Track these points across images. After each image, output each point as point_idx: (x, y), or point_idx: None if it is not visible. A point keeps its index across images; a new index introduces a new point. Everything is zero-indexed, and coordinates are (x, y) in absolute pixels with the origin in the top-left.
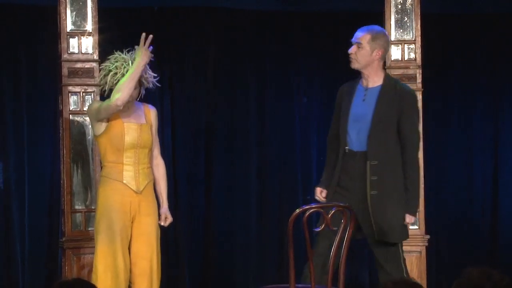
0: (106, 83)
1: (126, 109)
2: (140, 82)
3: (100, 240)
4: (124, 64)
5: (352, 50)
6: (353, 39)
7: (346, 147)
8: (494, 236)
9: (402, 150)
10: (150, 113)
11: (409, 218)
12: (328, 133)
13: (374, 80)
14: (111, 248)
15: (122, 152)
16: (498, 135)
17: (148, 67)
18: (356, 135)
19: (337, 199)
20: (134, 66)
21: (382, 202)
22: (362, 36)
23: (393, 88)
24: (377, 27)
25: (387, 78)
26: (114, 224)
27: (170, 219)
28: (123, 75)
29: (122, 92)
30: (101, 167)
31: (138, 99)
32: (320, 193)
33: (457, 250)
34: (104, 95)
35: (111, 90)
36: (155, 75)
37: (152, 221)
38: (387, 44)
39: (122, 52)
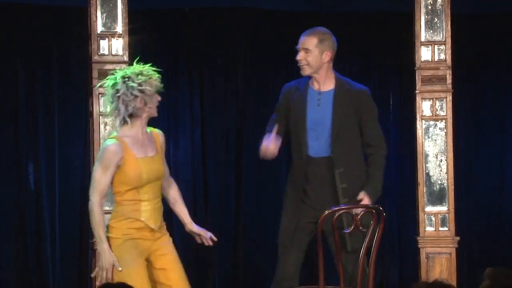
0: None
1: (136, 141)
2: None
3: (121, 273)
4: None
5: (300, 56)
6: (298, 45)
7: (306, 154)
8: None
9: (369, 150)
10: (159, 138)
11: (363, 195)
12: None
13: (326, 83)
14: (134, 278)
15: (139, 189)
16: None
17: (156, 93)
18: (315, 143)
19: (304, 211)
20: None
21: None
22: (308, 40)
23: (346, 89)
24: (321, 29)
25: (338, 80)
26: (136, 257)
27: (209, 234)
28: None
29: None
30: (115, 201)
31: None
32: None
33: (489, 251)
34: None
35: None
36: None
37: (171, 249)
38: (334, 45)
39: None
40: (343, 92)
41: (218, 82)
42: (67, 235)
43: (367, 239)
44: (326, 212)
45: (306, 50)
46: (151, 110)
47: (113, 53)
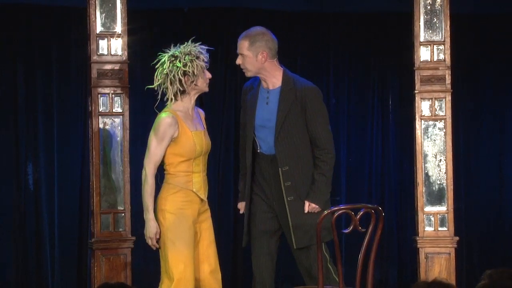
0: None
1: (187, 116)
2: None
3: (175, 247)
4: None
5: (238, 61)
6: (237, 50)
7: (258, 150)
8: None
9: (315, 152)
10: (203, 116)
11: (307, 206)
12: (240, 135)
13: (273, 82)
14: (187, 255)
15: (192, 161)
16: None
17: (206, 71)
18: (264, 141)
19: (257, 202)
20: (145, 216)
21: (300, 206)
22: (240, 45)
23: (292, 87)
24: (254, 30)
25: (285, 77)
26: (189, 231)
27: None
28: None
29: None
30: (166, 174)
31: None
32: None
33: (489, 251)
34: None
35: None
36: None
37: (210, 225)
38: (270, 42)
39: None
40: (288, 90)
41: (217, 82)
42: (66, 235)
43: (366, 239)
44: (325, 212)
45: (241, 55)
46: (199, 87)
47: (112, 53)
